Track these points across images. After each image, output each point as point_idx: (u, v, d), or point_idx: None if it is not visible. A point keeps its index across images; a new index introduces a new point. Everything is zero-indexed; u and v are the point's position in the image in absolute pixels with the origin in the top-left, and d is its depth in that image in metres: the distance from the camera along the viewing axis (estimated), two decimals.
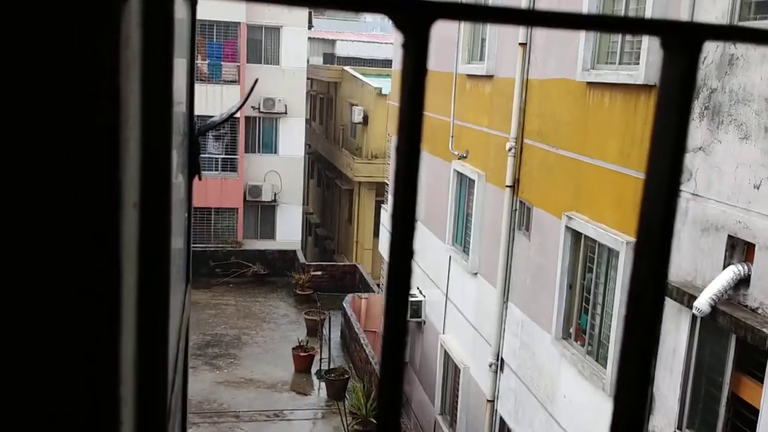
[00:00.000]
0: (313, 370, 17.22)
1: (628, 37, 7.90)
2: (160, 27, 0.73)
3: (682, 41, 0.43)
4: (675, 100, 0.43)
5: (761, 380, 5.77)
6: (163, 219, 0.76)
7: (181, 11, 1.43)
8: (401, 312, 0.43)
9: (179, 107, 1.51)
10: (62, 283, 0.51)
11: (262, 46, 25.60)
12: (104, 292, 0.52)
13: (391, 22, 0.40)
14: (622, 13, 7.95)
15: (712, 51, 6.27)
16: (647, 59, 7.11)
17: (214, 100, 24.23)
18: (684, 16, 6.63)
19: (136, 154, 0.65)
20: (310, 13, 26.58)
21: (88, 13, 0.46)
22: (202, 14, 24.24)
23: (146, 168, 0.70)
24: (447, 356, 12.97)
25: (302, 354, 17.20)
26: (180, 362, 1.50)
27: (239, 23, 24.61)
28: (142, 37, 0.64)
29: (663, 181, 0.43)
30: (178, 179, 1.43)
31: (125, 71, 0.51)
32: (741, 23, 6.11)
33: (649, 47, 7.11)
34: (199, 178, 1.69)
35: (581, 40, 8.44)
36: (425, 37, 0.39)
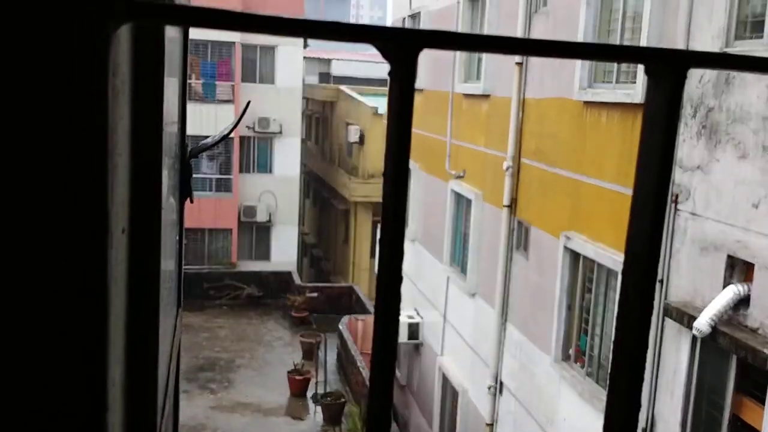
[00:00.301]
0: (309, 394, 17.04)
1: None
2: (150, 55, 0.76)
3: (667, 68, 0.44)
4: (660, 126, 0.43)
5: (763, 402, 5.69)
6: (153, 244, 0.76)
7: (172, 32, 1.39)
8: (390, 338, 0.43)
9: (171, 129, 1.47)
10: (49, 308, 0.51)
11: (257, 65, 25.67)
12: (91, 318, 0.52)
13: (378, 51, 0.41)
14: (619, 32, 7.96)
15: (709, 70, 6.26)
16: (644, 78, 7.10)
17: (208, 120, 24.24)
18: (680, 34, 6.63)
19: (125, 179, 0.64)
20: None
21: (77, 42, 0.47)
22: (196, 34, 24.39)
23: (136, 193, 0.70)
24: (445, 379, 12.84)
25: (297, 377, 17.02)
26: (171, 386, 1.45)
27: (234, 43, 24.70)
28: (132, 64, 0.63)
29: (648, 205, 0.45)
30: (169, 201, 1.38)
31: (113, 98, 0.52)
32: (737, 41, 6.11)
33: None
34: (191, 201, 1.65)
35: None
36: (412, 65, 0.40)
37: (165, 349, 1.30)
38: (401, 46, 0.39)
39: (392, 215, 0.40)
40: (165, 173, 1.31)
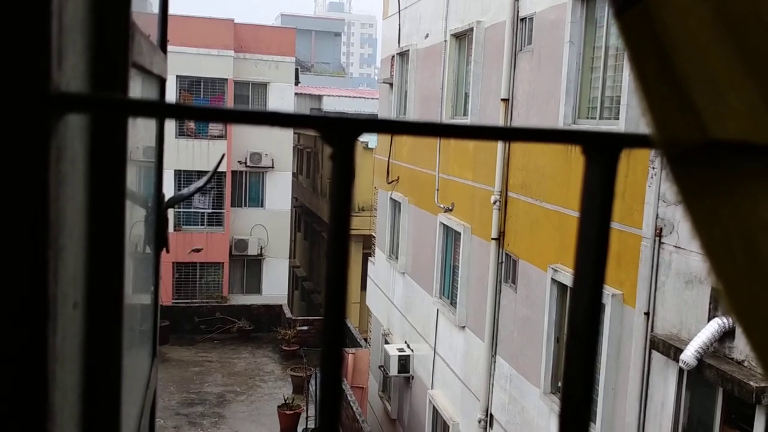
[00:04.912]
0: (300, 428, 16.87)
1: (608, 93, 8.08)
2: (108, 142, 0.73)
3: (601, 151, 0.45)
4: (597, 203, 0.45)
5: None
6: (113, 312, 0.76)
7: (148, 93, 1.44)
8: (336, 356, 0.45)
9: (147, 180, 1.51)
10: None
11: (249, 101, 25.89)
12: (30, 403, 0.50)
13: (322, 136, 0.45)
14: (602, 69, 8.14)
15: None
16: (626, 114, 7.26)
17: (200, 155, 24.34)
18: None
19: (78, 255, 0.64)
20: (296, 69, 27.01)
21: (13, 133, 0.46)
22: (189, 70, 24.59)
23: (94, 264, 0.70)
24: (436, 412, 12.77)
25: (288, 412, 16.87)
26: None
27: (226, 79, 24.94)
28: (87, 147, 0.65)
29: (587, 283, 0.45)
30: (144, 253, 1.42)
31: (58, 183, 0.51)
32: None
33: (628, 102, 7.26)
34: (167, 251, 1.69)
35: (562, 95, 8.61)
36: (351, 148, 0.43)
37: (135, 405, 1.28)
38: (340, 131, 0.44)
39: (333, 295, 0.43)
40: (140, 224, 1.34)
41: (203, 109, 0.45)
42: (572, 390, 0.46)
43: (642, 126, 0.48)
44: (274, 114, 0.46)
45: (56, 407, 0.55)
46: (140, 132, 1.31)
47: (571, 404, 0.46)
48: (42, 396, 0.50)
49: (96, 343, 0.71)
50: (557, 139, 0.49)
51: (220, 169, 24.37)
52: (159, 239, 1.61)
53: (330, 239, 0.44)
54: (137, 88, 1.14)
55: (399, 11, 15.33)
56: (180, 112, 0.45)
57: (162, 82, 1.62)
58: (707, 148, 0.44)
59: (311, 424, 16.50)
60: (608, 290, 7.57)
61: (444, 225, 12.55)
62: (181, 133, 24.24)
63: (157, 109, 0.44)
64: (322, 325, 0.45)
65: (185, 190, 2.58)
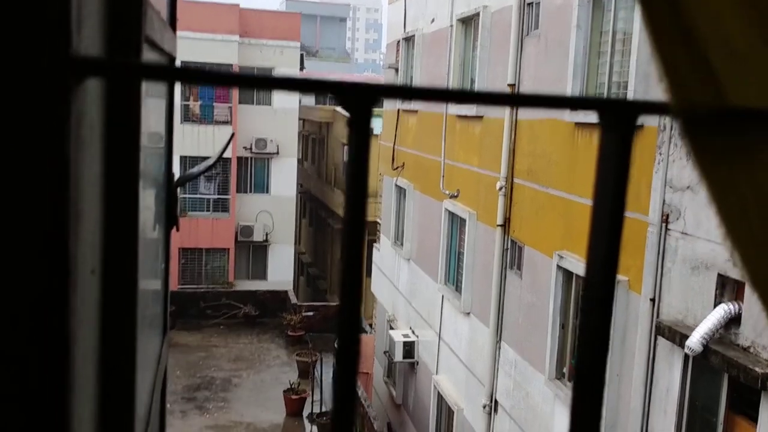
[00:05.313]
0: (305, 413, 16.97)
1: (615, 78, 8.04)
2: (124, 99, 0.74)
3: (617, 118, 0.45)
4: (612, 176, 0.46)
5: (755, 420, 5.73)
6: (128, 283, 0.76)
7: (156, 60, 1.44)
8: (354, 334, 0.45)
9: (157, 160, 1.52)
10: (6, 351, 0.50)
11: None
12: (52, 362, 0.51)
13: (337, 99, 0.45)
14: (609, 54, 8.09)
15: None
16: (634, 99, 7.21)
17: (206, 141, 24.33)
18: None
19: (96, 221, 0.65)
20: (301, 55, 26.92)
21: (37, 97, 0.47)
22: (194, 56, 24.54)
23: (110, 236, 0.70)
24: (440, 398, 12.82)
25: (294, 397, 16.96)
26: (155, 414, 1.47)
27: (231, 65, 24.87)
28: (105, 110, 0.65)
29: (601, 260, 0.46)
30: (155, 231, 1.42)
31: (78, 148, 0.52)
32: None
33: (635, 88, 7.22)
34: (177, 229, 1.69)
35: (569, 79, 8.57)
36: (368, 114, 0.43)
37: (146, 380, 1.30)
38: (358, 97, 0.44)
39: (348, 257, 0.42)
40: (151, 202, 1.35)
41: (220, 74, 0.45)
42: (585, 373, 0.46)
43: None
44: (293, 79, 0.46)
45: (76, 363, 0.56)
46: (150, 115, 1.31)
47: (583, 392, 0.46)
48: (64, 348, 0.51)
49: (112, 310, 0.72)
50: (573, 106, 0.49)
51: (225, 156, 24.37)
52: (169, 217, 1.62)
53: (347, 205, 0.44)
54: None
55: None
56: (196, 76, 0.45)
57: (172, 60, 1.62)
58: (724, 114, 0.43)
59: (317, 409, 16.59)
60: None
61: (449, 211, 12.54)
62: (186, 119, 24.22)
63: (173, 74, 0.44)
64: (339, 290, 0.45)
65: (195, 169, 2.59)
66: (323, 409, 16.48)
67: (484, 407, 10.74)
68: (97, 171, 0.64)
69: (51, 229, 0.49)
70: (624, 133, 0.46)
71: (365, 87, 0.44)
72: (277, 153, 25.88)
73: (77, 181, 0.52)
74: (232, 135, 3.44)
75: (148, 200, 1.23)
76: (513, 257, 10.19)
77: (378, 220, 18.55)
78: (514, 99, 0.51)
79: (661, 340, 6.75)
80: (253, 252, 26.33)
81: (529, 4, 9.79)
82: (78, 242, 0.54)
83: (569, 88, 8.52)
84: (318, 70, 42.81)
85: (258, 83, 0.46)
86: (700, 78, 0.43)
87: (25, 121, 0.48)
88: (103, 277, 0.69)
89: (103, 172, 0.67)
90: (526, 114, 9.87)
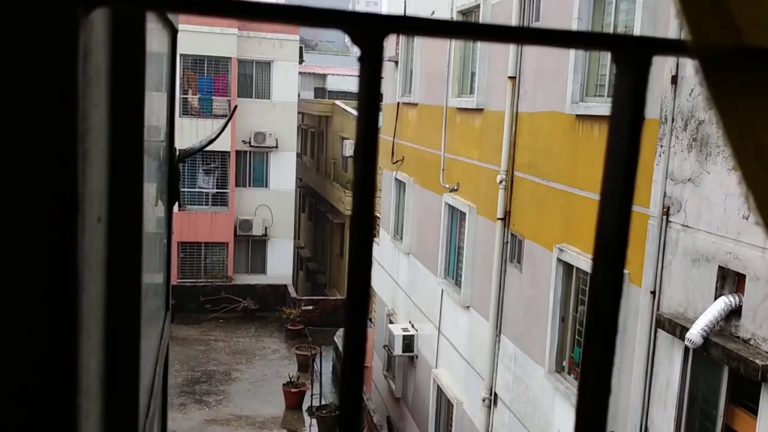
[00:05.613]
0: (305, 406, 16.99)
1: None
2: (130, 44, 0.73)
3: (632, 55, 0.44)
4: (627, 114, 0.44)
5: (755, 412, 5.73)
6: (133, 235, 0.75)
7: (161, 42, 1.43)
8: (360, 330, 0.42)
9: (159, 134, 1.50)
10: (15, 295, 0.50)
11: (253, 80, 25.78)
12: (61, 305, 0.51)
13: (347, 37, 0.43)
14: (612, 23, 8.05)
15: (688, 69, 6.36)
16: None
17: (205, 134, 24.22)
18: (673, 23, 6.71)
19: (102, 168, 0.64)
20: (300, 48, 26.85)
21: (44, 25, 0.47)
22: (193, 49, 24.47)
23: (116, 185, 0.69)
24: (440, 391, 12.83)
25: (293, 390, 16.98)
26: (157, 387, 1.46)
27: (230, 58, 24.81)
28: (110, 53, 0.64)
29: (617, 194, 0.45)
30: (158, 205, 1.41)
31: (85, 84, 0.52)
32: None
33: None
34: (179, 206, 1.68)
35: (570, 73, 8.54)
36: (379, 48, 0.42)
37: (150, 348, 1.30)
38: (369, 30, 0.42)
39: (361, 200, 0.41)
40: (152, 172, 1.34)
41: (226, 3, 0.43)
42: (592, 362, 0.45)
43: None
44: (301, 8, 0.43)
45: (84, 312, 0.56)
46: (153, 102, 1.29)
47: (590, 387, 0.45)
48: (72, 292, 0.50)
49: (118, 262, 0.71)
50: (586, 43, 0.46)
51: (223, 149, 24.34)
52: (171, 192, 1.61)
53: (357, 146, 0.42)
54: (153, 37, 1.12)
55: None
56: (202, 4, 0.43)
57: (174, 33, 1.60)
58: (741, 54, 0.42)
59: (316, 402, 16.61)
60: None
61: (449, 205, 12.53)
62: (185, 112, 24.18)
63: (182, 2, 0.42)
64: (349, 267, 0.43)
65: (196, 143, 2.57)
66: (323, 402, 16.50)
67: (484, 401, 10.75)
68: (103, 114, 0.63)
69: (59, 164, 0.49)
70: (639, 71, 0.44)
71: (376, 17, 0.43)
72: (276, 147, 25.84)
73: (84, 116, 0.51)
74: (236, 107, 3.43)
75: (151, 169, 1.21)
76: (513, 251, 10.18)
77: (377, 214, 18.55)
78: (524, 33, 0.48)
79: (661, 333, 6.74)
80: (252, 246, 26.32)
81: None
82: (86, 182, 0.54)
83: (570, 80, 8.50)
84: (317, 63, 42.71)
85: (267, 13, 0.43)
86: (717, 17, 0.42)
87: (34, 49, 0.47)
88: (109, 224, 0.68)
89: (109, 114, 0.66)
90: (526, 107, 9.85)
